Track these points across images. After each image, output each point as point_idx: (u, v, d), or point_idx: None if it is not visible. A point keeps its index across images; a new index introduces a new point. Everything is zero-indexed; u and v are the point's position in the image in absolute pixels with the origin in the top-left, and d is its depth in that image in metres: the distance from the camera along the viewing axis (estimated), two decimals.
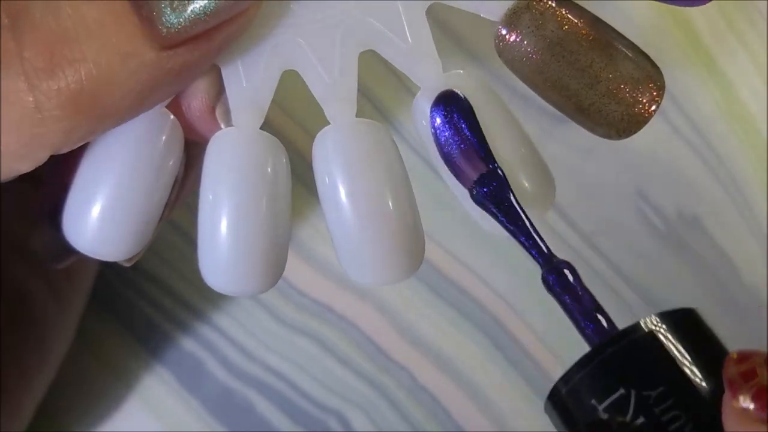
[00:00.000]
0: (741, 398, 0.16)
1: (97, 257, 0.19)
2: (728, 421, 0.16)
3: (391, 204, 0.18)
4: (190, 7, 0.15)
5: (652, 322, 0.18)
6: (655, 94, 0.17)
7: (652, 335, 0.17)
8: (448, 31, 0.30)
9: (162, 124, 0.18)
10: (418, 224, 0.19)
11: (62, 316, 0.26)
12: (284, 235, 0.19)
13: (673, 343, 0.17)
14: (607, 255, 0.31)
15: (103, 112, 0.15)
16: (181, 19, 0.15)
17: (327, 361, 0.30)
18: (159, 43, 0.15)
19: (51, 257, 0.22)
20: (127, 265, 0.20)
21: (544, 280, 0.18)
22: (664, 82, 0.18)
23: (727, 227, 0.32)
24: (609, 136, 0.18)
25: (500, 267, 0.31)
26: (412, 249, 0.18)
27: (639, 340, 0.17)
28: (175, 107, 0.18)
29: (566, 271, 0.18)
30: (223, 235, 0.18)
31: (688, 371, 0.17)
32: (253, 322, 0.30)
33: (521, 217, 0.18)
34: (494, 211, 0.18)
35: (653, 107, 0.17)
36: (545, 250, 0.18)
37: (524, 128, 0.19)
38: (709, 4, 0.17)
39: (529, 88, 0.18)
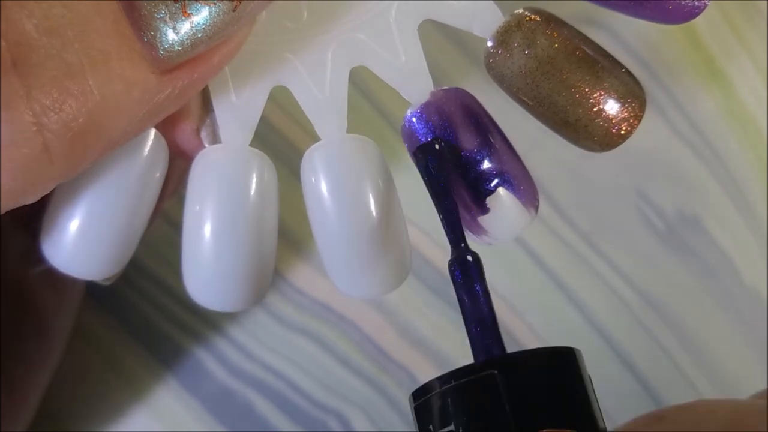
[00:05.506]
0: None
1: (75, 276, 0.18)
2: None
3: (378, 220, 0.18)
4: (189, 26, 0.15)
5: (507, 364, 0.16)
6: (637, 109, 0.18)
7: (492, 379, 0.15)
8: (449, 33, 0.30)
9: (145, 137, 0.18)
10: (404, 238, 0.19)
11: (61, 306, 0.25)
12: (270, 253, 0.18)
13: (512, 393, 0.15)
14: (607, 255, 0.31)
15: (109, 143, 0.15)
16: (182, 40, 0.15)
17: (327, 361, 0.30)
18: (159, 66, 0.15)
19: (25, 263, 0.22)
20: (105, 284, 0.19)
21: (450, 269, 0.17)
22: (645, 97, 0.18)
23: (727, 227, 0.32)
24: (592, 149, 0.18)
25: (500, 267, 0.31)
26: (397, 263, 0.18)
27: (482, 379, 0.16)
28: (159, 124, 0.18)
29: (470, 259, 0.17)
30: (208, 252, 0.18)
31: (513, 426, 0.15)
32: (252, 322, 0.30)
33: (451, 195, 0.17)
34: (427, 177, 0.18)
35: (636, 122, 0.17)
36: (461, 237, 0.17)
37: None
38: (709, 5, 0.17)
39: (516, 103, 0.18)
